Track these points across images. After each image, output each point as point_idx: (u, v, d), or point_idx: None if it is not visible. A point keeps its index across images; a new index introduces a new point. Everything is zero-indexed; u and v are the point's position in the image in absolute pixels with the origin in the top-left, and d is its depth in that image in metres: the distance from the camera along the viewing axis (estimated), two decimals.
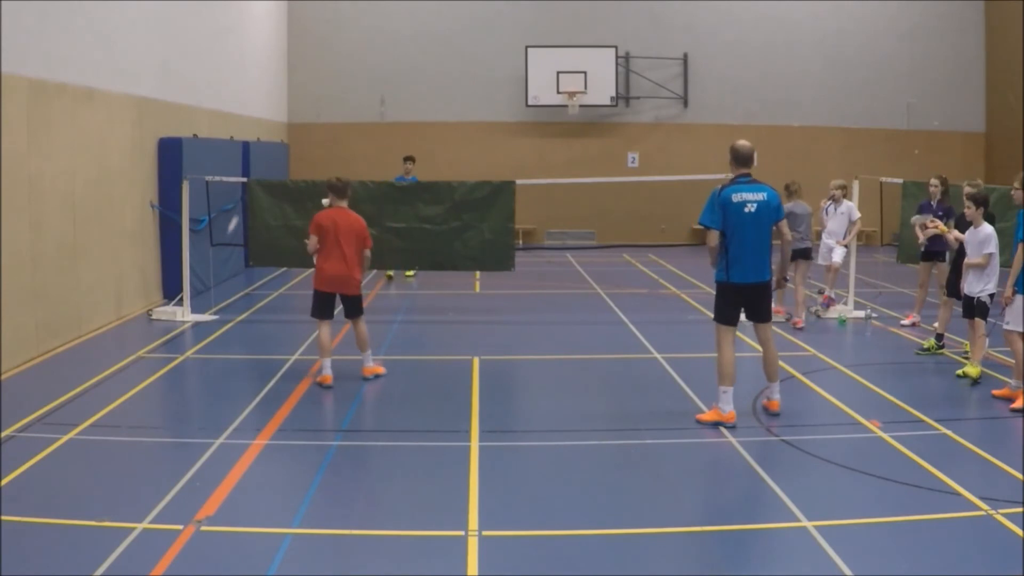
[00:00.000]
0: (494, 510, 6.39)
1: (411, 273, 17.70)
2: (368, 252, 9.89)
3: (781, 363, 10.62)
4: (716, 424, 8.33)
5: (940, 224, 11.29)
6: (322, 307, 9.81)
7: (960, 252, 11.38)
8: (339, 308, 9.94)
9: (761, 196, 8.24)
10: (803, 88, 24.77)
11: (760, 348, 8.80)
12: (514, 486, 6.99)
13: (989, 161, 24.79)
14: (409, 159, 17.72)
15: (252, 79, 21.12)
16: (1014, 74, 23.17)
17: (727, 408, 8.35)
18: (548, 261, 20.52)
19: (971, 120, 25.09)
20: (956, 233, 10.67)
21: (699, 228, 24.55)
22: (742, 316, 8.63)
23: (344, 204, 9.80)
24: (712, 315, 8.68)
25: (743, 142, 8.48)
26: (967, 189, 11.10)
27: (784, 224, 8.50)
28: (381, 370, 10.06)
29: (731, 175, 8.46)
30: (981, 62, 24.94)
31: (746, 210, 8.20)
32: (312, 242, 9.67)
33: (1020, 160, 22.30)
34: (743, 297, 8.42)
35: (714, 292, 8.70)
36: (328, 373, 9.62)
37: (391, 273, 17.46)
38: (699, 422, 8.43)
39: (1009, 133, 23.53)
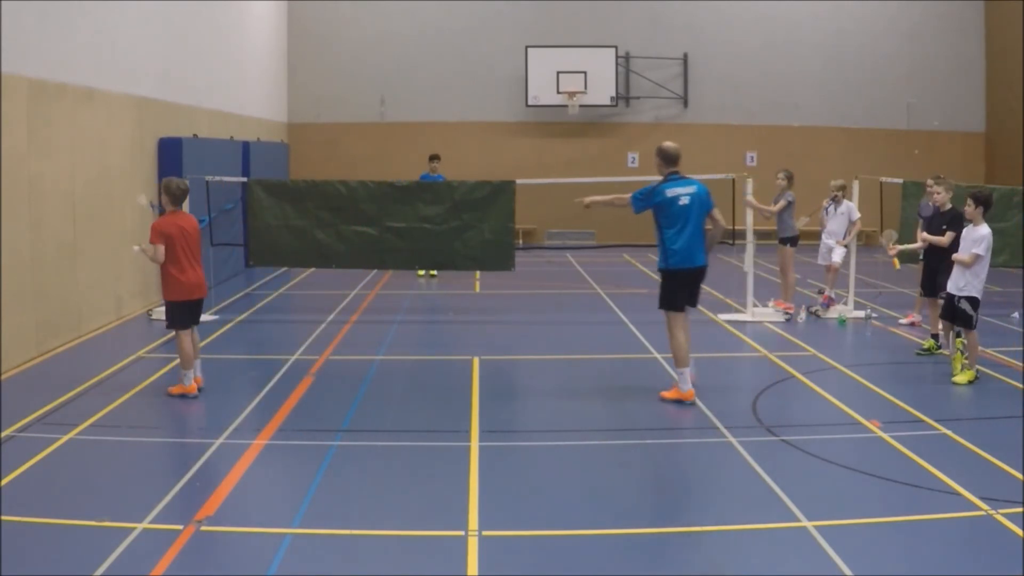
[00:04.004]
0: (494, 510, 6.39)
1: (433, 273, 17.64)
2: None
3: (781, 363, 10.68)
4: (678, 401, 8.97)
5: (896, 249, 11.50)
6: (185, 318, 9.22)
7: (931, 251, 11.38)
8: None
9: (692, 189, 9.06)
10: (803, 88, 24.78)
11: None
12: (514, 486, 6.99)
13: (989, 161, 24.80)
14: (435, 157, 17.77)
15: (252, 79, 21.13)
16: (1013, 74, 23.17)
17: (686, 387, 9.01)
18: (548, 261, 20.51)
19: (971, 120, 25.09)
20: (935, 237, 10.70)
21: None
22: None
23: (184, 208, 9.34)
24: (660, 305, 9.27)
25: (670, 143, 9.30)
26: (932, 185, 11.49)
27: (716, 211, 9.18)
28: (200, 382, 9.32)
29: (662, 174, 9.20)
30: (981, 62, 24.95)
31: (680, 203, 8.97)
32: (160, 251, 8.96)
33: (1020, 160, 22.33)
34: (688, 282, 9.12)
35: (661, 282, 9.28)
36: (193, 383, 9.16)
37: (427, 272, 17.44)
38: (662, 399, 9.10)
39: (1009, 133, 23.53)
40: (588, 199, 9.83)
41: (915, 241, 12.53)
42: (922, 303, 12.53)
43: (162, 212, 9.42)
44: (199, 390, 9.21)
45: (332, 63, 24.51)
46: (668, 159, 9.19)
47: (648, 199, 9.09)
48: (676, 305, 9.14)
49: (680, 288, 9.11)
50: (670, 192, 9.00)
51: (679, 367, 9.03)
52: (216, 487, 6.73)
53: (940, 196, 11.26)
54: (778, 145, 24.16)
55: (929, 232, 11.36)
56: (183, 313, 9.20)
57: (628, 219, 27.19)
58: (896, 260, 11.77)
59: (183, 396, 9.08)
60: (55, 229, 11.20)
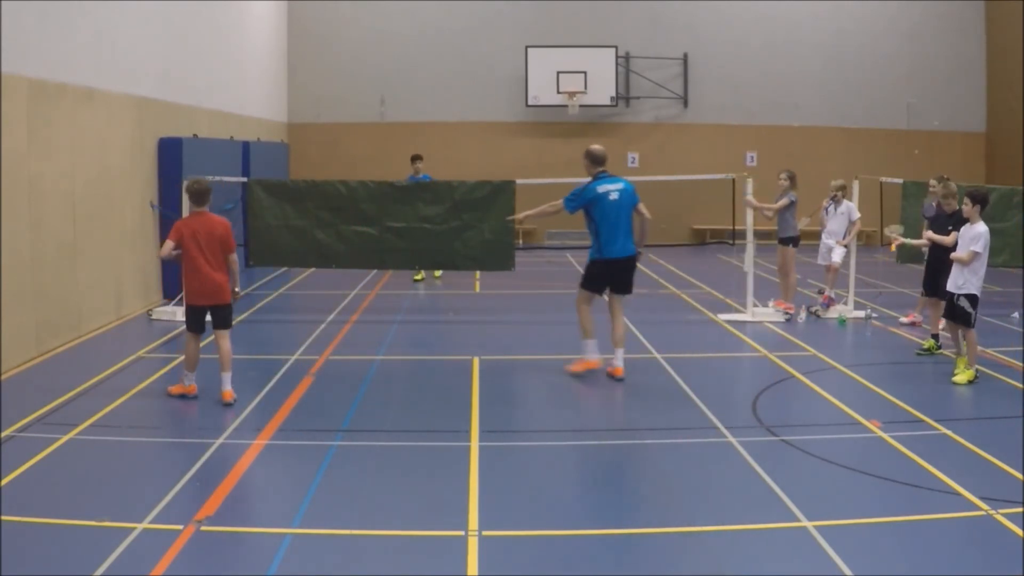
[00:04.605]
0: (494, 510, 6.39)
1: (438, 273, 17.48)
2: (234, 257, 8.99)
3: (781, 363, 10.69)
4: (587, 372, 9.94)
5: (899, 241, 11.45)
6: (193, 321, 9.01)
7: (934, 251, 11.39)
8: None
9: (620, 186, 10.04)
10: (803, 88, 24.77)
11: (612, 318, 10.12)
12: (514, 486, 6.99)
13: (989, 161, 24.79)
14: (417, 158, 17.27)
15: (252, 79, 21.13)
16: (1014, 74, 23.17)
17: (593, 356, 10.00)
18: (548, 261, 20.51)
19: (971, 120, 25.08)
20: (940, 236, 10.67)
21: (699, 228, 24.87)
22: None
23: (205, 209, 8.91)
24: (581, 284, 10.24)
25: (596, 146, 10.30)
26: (935, 186, 11.92)
27: (642, 205, 10.14)
28: (232, 396, 8.92)
29: (591, 173, 10.10)
30: (981, 62, 24.94)
31: (611, 198, 9.93)
32: (167, 247, 8.84)
33: (1020, 160, 22.33)
34: (613, 271, 10.02)
35: (588, 266, 10.23)
36: (193, 384, 9.01)
37: (420, 276, 17.16)
38: (572, 373, 10.00)
39: (1009, 133, 23.53)
40: (521, 214, 10.86)
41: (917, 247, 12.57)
42: (923, 303, 12.58)
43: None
44: (230, 404, 8.82)
45: (332, 63, 24.50)
46: (596, 160, 10.13)
47: (581, 197, 10.00)
48: (596, 288, 10.15)
49: (604, 274, 10.08)
50: (601, 189, 9.96)
51: (587, 338, 10.01)
52: (216, 487, 6.73)
53: (951, 204, 11.24)
54: (778, 145, 24.15)
55: (933, 232, 11.36)
56: (190, 315, 9.06)
57: None
58: (893, 246, 11.76)
59: (183, 396, 9.03)
60: (55, 229, 11.20)
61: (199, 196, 8.92)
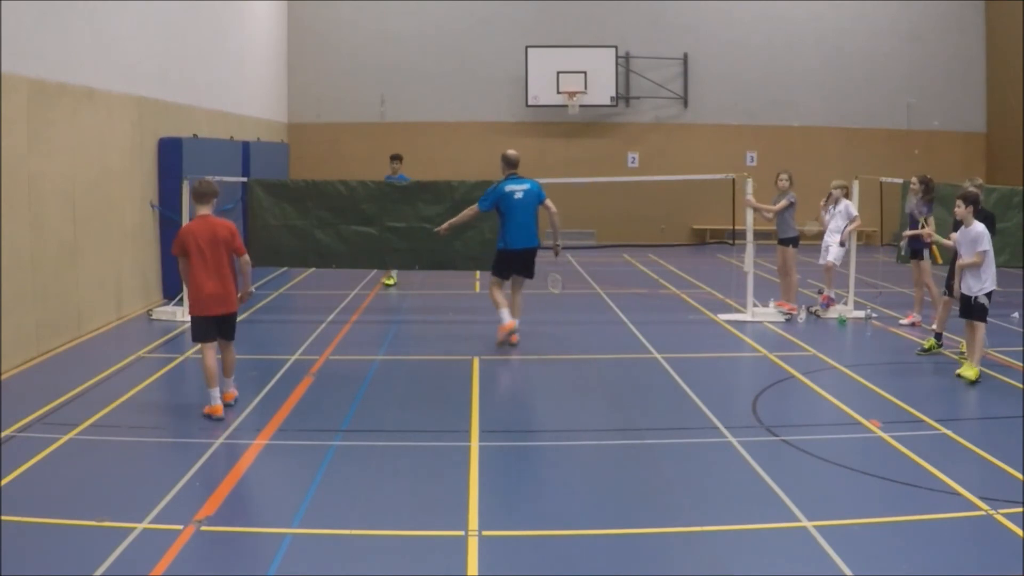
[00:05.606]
0: (494, 510, 6.39)
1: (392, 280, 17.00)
2: (246, 258, 8.62)
3: (781, 363, 10.70)
4: (510, 333, 11.35)
5: (926, 228, 11.36)
6: (203, 331, 8.51)
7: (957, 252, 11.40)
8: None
9: (526, 186, 11.47)
10: (803, 88, 24.77)
11: (512, 294, 11.75)
12: (514, 486, 6.99)
13: (990, 161, 24.79)
14: (396, 158, 16.90)
15: (252, 79, 21.13)
16: (1014, 74, 23.17)
17: (507, 319, 11.39)
18: (546, 261, 20.45)
19: (971, 120, 25.08)
20: (954, 237, 10.64)
21: (699, 228, 24.89)
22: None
23: (207, 211, 8.50)
24: (491, 271, 11.82)
25: (511, 151, 11.75)
26: (916, 185, 12.32)
27: (548, 201, 11.57)
28: (232, 397, 8.79)
29: (503, 174, 11.47)
30: (981, 62, 24.94)
31: (515, 197, 11.37)
32: (181, 264, 8.50)
33: (1020, 160, 22.33)
34: (517, 259, 11.56)
35: (497, 256, 11.77)
36: (218, 403, 8.42)
37: (390, 281, 16.92)
38: (499, 342, 11.36)
39: (1009, 133, 23.52)
40: (445, 224, 12.01)
41: (907, 240, 12.62)
42: (921, 301, 12.60)
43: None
44: (231, 404, 8.65)
45: (332, 63, 24.50)
46: (509, 163, 11.54)
47: (491, 197, 11.42)
48: (504, 275, 11.61)
49: (511, 262, 11.53)
50: (508, 188, 11.35)
51: (500, 309, 11.40)
52: (216, 487, 6.73)
53: (915, 187, 12.32)
54: (778, 145, 24.16)
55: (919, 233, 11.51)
56: (198, 326, 8.60)
57: (628, 219, 27.08)
58: (935, 248, 11.66)
59: (209, 417, 8.35)
60: (55, 229, 11.20)
61: (199, 196, 8.55)
